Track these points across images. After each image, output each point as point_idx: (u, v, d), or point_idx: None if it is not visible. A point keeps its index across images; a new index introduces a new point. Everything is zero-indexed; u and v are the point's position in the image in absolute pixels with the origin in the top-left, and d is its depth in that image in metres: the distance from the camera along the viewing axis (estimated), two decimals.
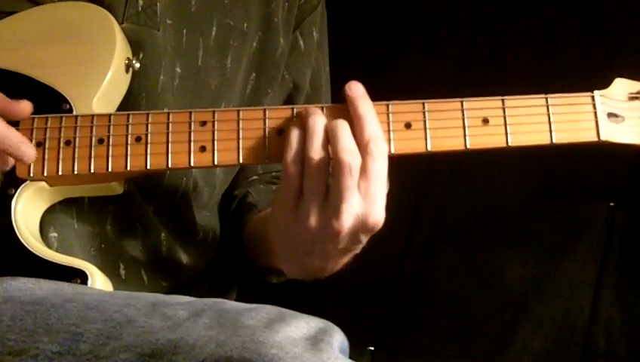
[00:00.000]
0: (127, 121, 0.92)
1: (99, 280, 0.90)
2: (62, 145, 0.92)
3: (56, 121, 0.92)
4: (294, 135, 0.88)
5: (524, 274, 1.87)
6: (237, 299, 1.17)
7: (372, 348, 1.93)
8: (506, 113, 0.92)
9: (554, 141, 0.93)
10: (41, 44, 0.97)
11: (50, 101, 0.94)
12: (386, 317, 1.95)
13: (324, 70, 1.27)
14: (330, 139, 0.87)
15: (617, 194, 1.84)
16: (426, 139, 0.91)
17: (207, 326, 0.74)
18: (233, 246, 1.16)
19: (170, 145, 0.91)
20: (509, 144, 0.92)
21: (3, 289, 0.85)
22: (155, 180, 1.02)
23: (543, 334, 1.83)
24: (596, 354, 1.80)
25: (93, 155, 0.91)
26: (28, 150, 0.90)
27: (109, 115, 0.93)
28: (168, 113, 0.93)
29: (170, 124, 0.92)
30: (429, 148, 0.91)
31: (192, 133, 0.92)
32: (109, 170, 0.91)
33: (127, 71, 0.98)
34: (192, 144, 0.91)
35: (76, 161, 0.91)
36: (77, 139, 0.92)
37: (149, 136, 0.92)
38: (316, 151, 0.87)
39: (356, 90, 0.90)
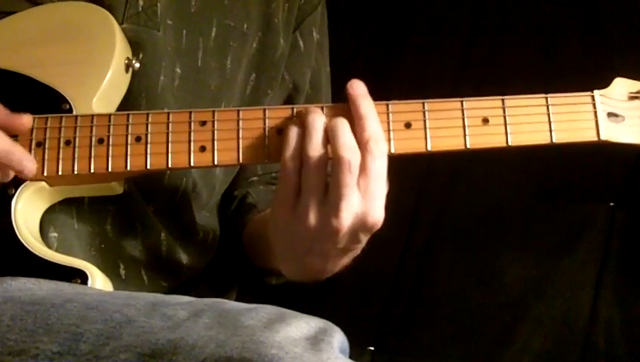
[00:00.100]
0: (127, 120, 0.92)
1: (99, 280, 0.90)
2: (62, 145, 0.92)
3: (56, 121, 0.93)
4: (293, 132, 0.89)
5: (524, 274, 1.87)
6: (237, 299, 1.17)
7: (372, 348, 1.93)
8: (506, 113, 0.92)
9: (554, 141, 0.93)
10: (41, 44, 0.97)
11: (50, 101, 0.94)
12: (386, 317, 1.95)
13: (324, 70, 1.27)
14: (329, 136, 0.87)
15: (617, 194, 1.84)
16: (426, 138, 0.91)
17: (207, 326, 0.74)
18: (233, 246, 1.16)
19: (170, 145, 0.91)
20: (509, 144, 0.92)
21: (3, 289, 0.85)
22: (155, 180, 1.02)
23: (543, 334, 1.83)
24: (596, 354, 1.79)
25: (93, 155, 0.91)
26: (29, 164, 0.90)
27: (109, 115, 0.93)
28: (168, 113, 0.93)
29: (170, 124, 0.92)
30: (429, 148, 0.92)
31: (192, 133, 0.92)
32: (109, 170, 0.91)
33: (126, 71, 0.98)
34: (191, 144, 0.91)
35: (76, 160, 0.91)
36: (77, 139, 0.92)
37: (148, 136, 0.92)
38: (314, 149, 0.87)
39: (358, 88, 0.91)
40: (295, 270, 0.96)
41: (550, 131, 0.93)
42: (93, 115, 0.93)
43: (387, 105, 0.92)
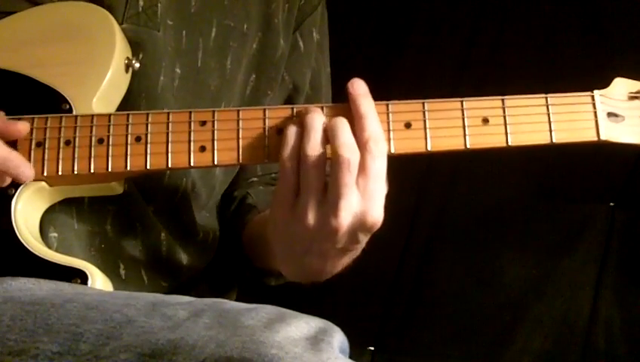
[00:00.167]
0: (127, 120, 0.92)
1: (99, 280, 0.90)
2: (62, 145, 0.92)
3: (56, 121, 0.93)
4: (291, 132, 0.88)
5: (524, 274, 1.87)
6: (237, 299, 1.17)
7: (372, 348, 1.93)
8: (506, 113, 0.92)
9: (554, 141, 0.93)
10: (41, 44, 0.97)
11: (49, 101, 0.94)
12: (386, 317, 1.95)
13: (324, 71, 1.27)
14: (329, 136, 0.87)
15: (617, 194, 1.84)
16: (425, 138, 0.91)
17: (207, 326, 0.74)
18: (232, 247, 1.16)
19: (170, 144, 0.91)
20: (509, 144, 0.92)
21: (3, 289, 0.85)
22: (155, 180, 1.02)
23: (543, 334, 1.83)
24: (596, 354, 1.79)
25: (93, 155, 0.91)
26: (26, 171, 0.90)
27: (109, 115, 0.93)
28: (168, 113, 0.93)
29: (170, 124, 0.92)
30: (428, 148, 0.91)
31: (192, 133, 0.92)
32: (109, 170, 0.91)
33: (126, 71, 0.98)
34: (191, 144, 0.91)
35: (76, 160, 0.91)
36: (77, 139, 0.92)
37: (148, 135, 0.92)
38: (313, 148, 0.87)
39: (359, 88, 0.91)
40: (294, 271, 0.96)
41: (550, 131, 0.93)
42: (93, 115, 0.93)
43: (387, 105, 0.92)
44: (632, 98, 0.97)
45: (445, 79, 1.92)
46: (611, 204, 1.85)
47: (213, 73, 1.09)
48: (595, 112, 0.94)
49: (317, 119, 0.89)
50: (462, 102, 0.93)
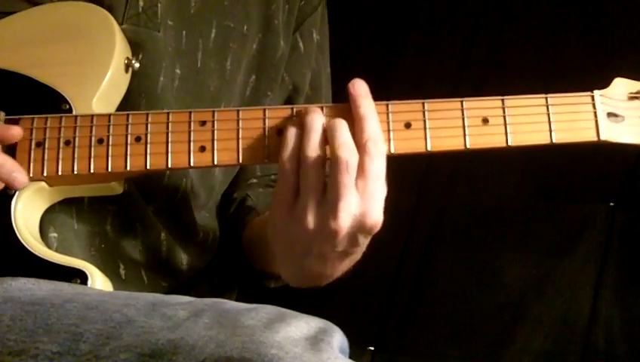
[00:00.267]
0: (127, 120, 0.92)
1: (99, 281, 0.90)
2: (61, 145, 0.92)
3: (55, 121, 0.92)
4: (291, 132, 0.88)
5: (524, 274, 1.87)
6: (237, 299, 1.17)
7: (372, 348, 1.93)
8: (506, 113, 0.92)
9: (554, 141, 0.93)
10: (40, 44, 0.97)
11: (49, 101, 0.94)
12: (386, 317, 1.95)
13: (324, 71, 1.27)
14: (328, 136, 0.87)
15: (617, 194, 1.84)
16: (425, 138, 0.91)
17: (207, 326, 0.74)
18: (232, 249, 1.15)
19: (169, 145, 0.91)
20: (509, 144, 0.92)
21: (3, 289, 0.85)
22: (154, 180, 1.02)
23: (543, 334, 1.83)
24: (596, 354, 1.79)
25: (92, 155, 0.91)
26: (19, 176, 0.90)
27: (109, 115, 0.93)
28: (168, 113, 0.93)
29: (170, 124, 0.92)
30: (428, 148, 0.91)
31: (192, 133, 0.92)
32: (109, 170, 0.91)
33: (126, 71, 0.98)
34: (191, 144, 0.91)
35: (76, 161, 0.91)
36: (76, 139, 0.92)
37: (148, 136, 0.92)
38: (312, 149, 0.86)
39: (359, 88, 0.90)
40: (294, 274, 0.96)
41: (550, 131, 0.93)
42: (92, 115, 0.93)
43: (387, 105, 0.92)
44: (632, 98, 0.96)
45: (445, 79, 1.92)
46: (611, 204, 1.85)
47: (213, 74, 1.09)
48: (595, 112, 0.94)
49: (317, 120, 0.88)
50: (462, 102, 0.93)
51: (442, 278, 1.93)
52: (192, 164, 0.91)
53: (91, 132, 0.92)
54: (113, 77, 0.96)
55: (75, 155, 0.91)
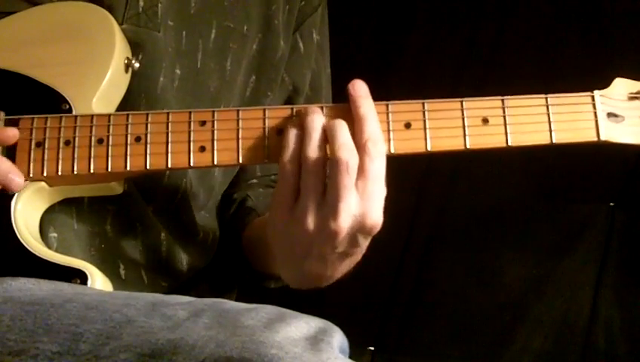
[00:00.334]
0: (127, 120, 0.92)
1: (98, 281, 0.90)
2: (61, 145, 0.92)
3: (55, 121, 0.92)
4: (292, 134, 0.88)
5: (524, 274, 1.87)
6: (237, 299, 1.16)
7: (372, 348, 1.93)
8: (506, 113, 0.92)
9: (554, 141, 0.93)
10: (40, 44, 0.97)
11: (49, 101, 0.94)
12: (386, 317, 1.95)
13: (324, 72, 1.27)
14: (328, 137, 0.87)
15: (617, 194, 1.84)
16: (425, 139, 0.91)
17: (207, 326, 0.74)
18: (232, 249, 1.15)
19: (169, 145, 0.91)
20: (509, 144, 0.92)
21: (3, 289, 0.85)
22: (154, 180, 1.02)
23: (543, 334, 1.83)
24: (596, 354, 1.80)
25: (92, 155, 0.91)
26: (15, 178, 0.90)
27: (109, 115, 0.93)
28: (168, 113, 0.93)
29: (170, 124, 0.92)
30: (428, 148, 0.91)
31: (192, 133, 0.92)
32: (109, 170, 0.91)
33: (126, 71, 0.98)
34: (191, 144, 0.91)
35: (76, 161, 0.91)
36: (76, 139, 0.92)
37: (148, 136, 0.91)
38: (313, 150, 0.86)
39: (359, 89, 0.90)
40: (294, 275, 0.95)
41: (550, 131, 0.93)
42: (92, 115, 0.93)
43: (387, 105, 0.92)
44: (632, 98, 0.96)
45: (445, 79, 1.92)
46: (611, 204, 1.85)
47: (213, 74, 1.09)
48: (595, 112, 0.94)
49: (316, 120, 0.88)
50: (462, 102, 0.92)
51: (442, 278, 1.93)
52: (192, 164, 0.91)
53: (91, 132, 0.92)
54: (113, 77, 0.96)
55: (75, 155, 0.91)
